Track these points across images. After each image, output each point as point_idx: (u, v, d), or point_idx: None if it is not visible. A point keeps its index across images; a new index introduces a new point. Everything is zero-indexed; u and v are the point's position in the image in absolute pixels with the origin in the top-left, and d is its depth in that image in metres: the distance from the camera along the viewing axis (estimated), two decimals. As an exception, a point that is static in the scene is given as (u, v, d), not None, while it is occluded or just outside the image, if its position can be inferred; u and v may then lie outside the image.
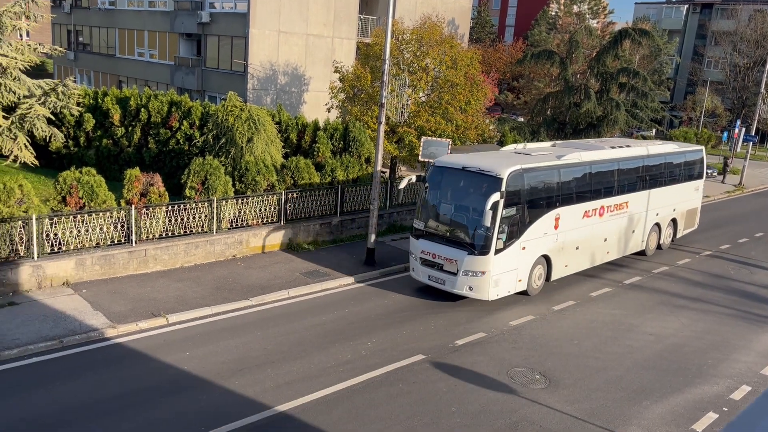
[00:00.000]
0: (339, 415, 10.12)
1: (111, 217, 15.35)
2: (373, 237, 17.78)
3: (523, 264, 15.38)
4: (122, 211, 15.48)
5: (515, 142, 27.49)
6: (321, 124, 23.79)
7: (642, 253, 20.34)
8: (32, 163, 23.80)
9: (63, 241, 14.55)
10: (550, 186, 15.92)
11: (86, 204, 15.39)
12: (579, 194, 16.81)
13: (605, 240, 18.11)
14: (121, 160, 24.58)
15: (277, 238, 18.43)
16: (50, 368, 10.99)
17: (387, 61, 17.20)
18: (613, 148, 18.85)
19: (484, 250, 14.51)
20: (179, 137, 23.53)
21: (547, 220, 15.75)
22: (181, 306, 13.79)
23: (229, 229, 17.48)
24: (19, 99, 23.27)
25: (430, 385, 11.31)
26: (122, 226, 15.54)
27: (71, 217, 14.66)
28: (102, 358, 11.52)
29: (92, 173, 15.85)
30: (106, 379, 10.74)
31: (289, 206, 18.75)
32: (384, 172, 24.54)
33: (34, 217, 14.02)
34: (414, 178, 16.52)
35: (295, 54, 34.96)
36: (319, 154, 22.11)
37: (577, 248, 17.00)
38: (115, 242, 15.47)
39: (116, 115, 24.82)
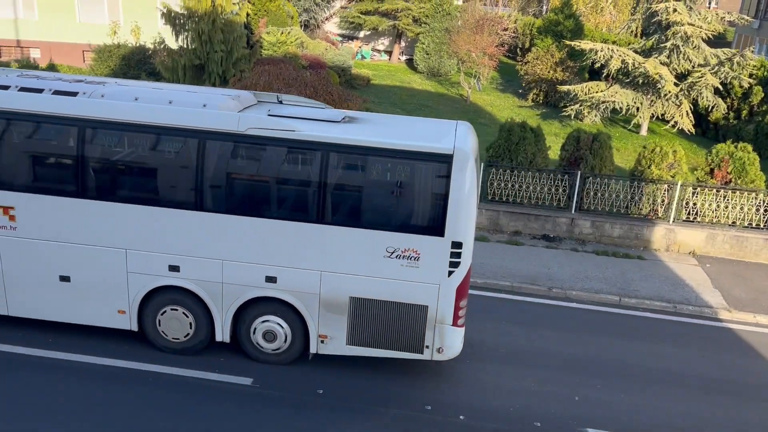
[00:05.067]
0: None
1: (755, 198, 14.55)
2: None
3: None
4: (769, 195, 14.46)
5: None
6: None
7: None
8: (688, 131, 24.51)
9: (699, 212, 14.70)
10: None
11: (733, 180, 14.98)
12: None
13: None
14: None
15: None
16: (662, 327, 11.58)
17: None
18: None
19: None
20: None
21: None
22: (810, 314, 12.17)
23: None
24: (692, 67, 24.01)
25: None
26: (765, 211, 14.53)
27: (714, 190, 14.58)
28: (709, 336, 11.39)
29: (747, 149, 15.21)
30: (708, 356, 10.62)
31: None
32: None
33: (678, 183, 14.58)
34: None
35: None
36: None
37: None
38: (753, 225, 14.66)
39: (789, 91, 22.73)
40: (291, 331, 8.71)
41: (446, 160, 7.95)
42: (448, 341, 8.48)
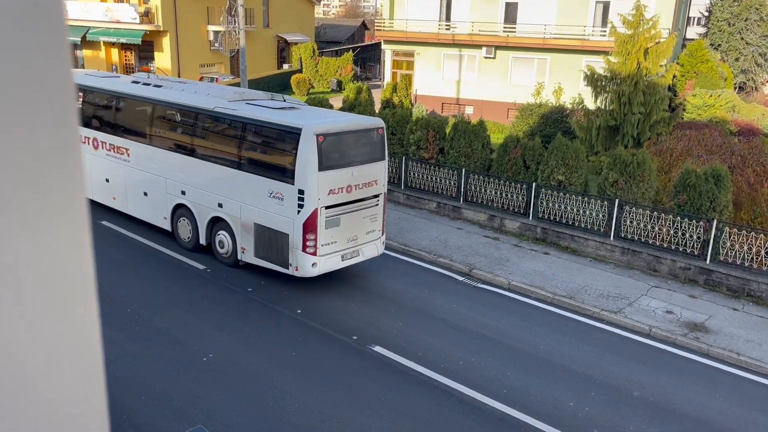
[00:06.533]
0: None
1: None
2: None
3: None
4: None
5: None
6: None
7: None
8: None
9: None
10: None
11: None
12: None
13: None
14: None
15: None
16: None
17: None
18: None
19: None
20: None
21: None
22: None
23: None
24: None
25: None
26: None
27: None
28: None
29: None
30: None
31: None
32: None
33: None
34: None
35: None
36: None
37: None
38: None
39: None
40: (231, 242, 12.74)
41: (297, 132, 11.25)
42: (300, 263, 11.54)
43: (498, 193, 16.39)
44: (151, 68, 35.14)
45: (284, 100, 13.41)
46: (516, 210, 16.17)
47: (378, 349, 10.23)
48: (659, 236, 14.10)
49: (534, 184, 15.67)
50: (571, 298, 12.57)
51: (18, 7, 0.68)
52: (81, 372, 0.81)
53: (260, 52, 40.71)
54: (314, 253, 11.38)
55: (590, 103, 22.47)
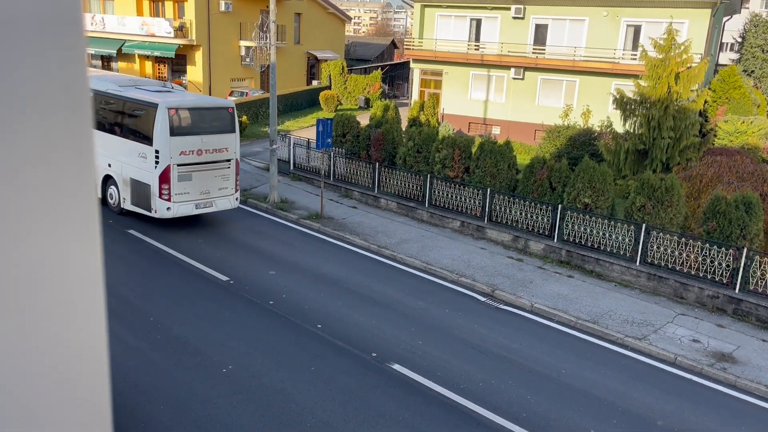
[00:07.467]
0: None
1: None
2: None
3: None
4: None
5: None
6: None
7: None
8: None
9: None
10: None
11: None
12: None
13: None
14: None
15: None
16: None
17: None
18: None
19: None
20: None
21: None
22: None
23: None
24: None
25: None
26: None
27: None
28: None
29: None
30: None
31: None
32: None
33: None
34: None
35: None
36: None
37: None
38: None
39: None
40: (117, 194, 15.94)
41: (156, 106, 14.54)
42: (158, 207, 14.82)
43: (523, 214, 16.26)
44: (183, 81, 35.79)
45: (172, 88, 16.95)
46: (541, 232, 16.01)
47: (397, 367, 10.15)
48: (687, 263, 13.82)
49: (560, 206, 15.51)
50: (594, 323, 12.35)
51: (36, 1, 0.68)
52: (85, 372, 0.80)
53: (290, 68, 41.19)
54: (168, 200, 14.75)
55: (619, 127, 22.24)
